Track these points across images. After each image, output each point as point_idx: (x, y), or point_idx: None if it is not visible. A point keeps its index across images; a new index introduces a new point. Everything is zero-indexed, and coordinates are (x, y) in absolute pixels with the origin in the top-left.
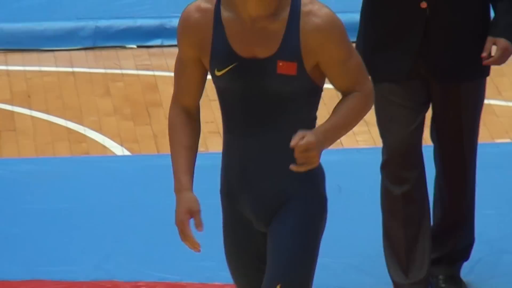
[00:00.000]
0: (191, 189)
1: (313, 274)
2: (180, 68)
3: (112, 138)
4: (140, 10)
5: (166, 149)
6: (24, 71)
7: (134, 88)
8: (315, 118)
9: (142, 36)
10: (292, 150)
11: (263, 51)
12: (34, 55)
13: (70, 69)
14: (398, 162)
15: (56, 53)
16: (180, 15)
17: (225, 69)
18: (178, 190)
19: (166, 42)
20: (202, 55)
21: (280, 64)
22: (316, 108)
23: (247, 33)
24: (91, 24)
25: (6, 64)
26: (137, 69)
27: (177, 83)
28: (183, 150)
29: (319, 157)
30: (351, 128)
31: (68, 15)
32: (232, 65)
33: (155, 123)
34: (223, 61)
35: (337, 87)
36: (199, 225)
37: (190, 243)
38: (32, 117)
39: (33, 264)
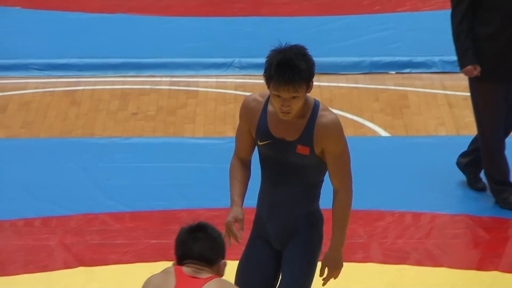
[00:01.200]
0: (240, 206)
1: (311, 284)
2: (238, 134)
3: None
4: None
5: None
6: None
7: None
8: (321, 181)
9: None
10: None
11: (289, 136)
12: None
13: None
14: None
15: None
16: None
17: (264, 142)
18: (231, 205)
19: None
20: (252, 129)
21: (299, 146)
22: (322, 175)
23: (281, 123)
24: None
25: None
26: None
27: (236, 143)
28: (237, 182)
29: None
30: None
31: None
32: (268, 141)
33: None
34: (263, 137)
35: (330, 176)
36: (241, 228)
37: (233, 235)
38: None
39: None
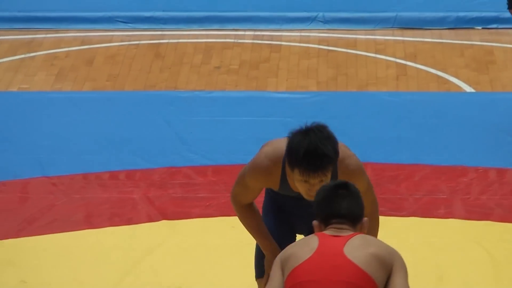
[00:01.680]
0: (276, 245)
1: None
2: (245, 189)
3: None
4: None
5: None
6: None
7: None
8: None
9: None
10: None
11: None
12: None
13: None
14: None
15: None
16: None
17: (286, 194)
18: (268, 246)
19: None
20: (271, 186)
21: None
22: None
23: None
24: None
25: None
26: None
27: (241, 197)
28: (259, 227)
29: None
30: None
31: None
32: (294, 194)
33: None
34: (287, 191)
35: None
36: None
37: None
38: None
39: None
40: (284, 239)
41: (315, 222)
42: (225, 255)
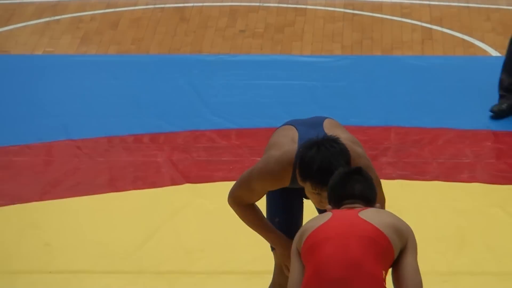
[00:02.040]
0: (283, 236)
1: None
2: (250, 193)
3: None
4: None
5: None
6: None
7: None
8: None
9: None
10: None
11: None
12: None
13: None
14: None
15: None
16: None
17: (295, 187)
18: (276, 239)
19: None
20: (277, 188)
21: None
22: None
23: None
24: None
25: None
26: None
27: (244, 196)
28: (263, 223)
29: None
30: None
31: None
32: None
33: None
34: (296, 186)
35: None
36: None
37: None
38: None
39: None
40: (297, 214)
41: (328, 207)
42: None
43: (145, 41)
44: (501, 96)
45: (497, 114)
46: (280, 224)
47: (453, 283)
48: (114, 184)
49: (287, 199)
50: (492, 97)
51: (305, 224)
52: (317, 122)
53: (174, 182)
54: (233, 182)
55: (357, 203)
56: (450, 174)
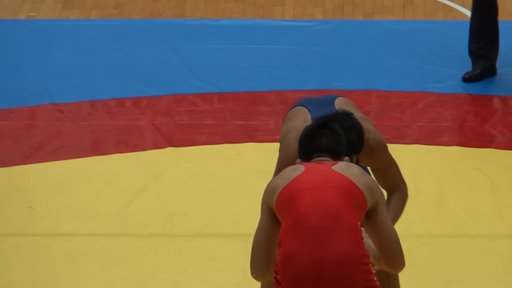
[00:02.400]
0: None
1: None
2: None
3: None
4: None
5: None
6: None
7: None
8: None
9: None
10: None
11: None
12: None
13: None
14: None
15: None
16: None
17: None
18: None
19: None
20: None
21: None
22: None
23: None
24: None
25: None
26: None
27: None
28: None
29: None
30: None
31: None
32: None
33: None
34: None
35: (383, 186)
36: None
37: None
38: None
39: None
40: None
41: (297, 160)
42: (230, 181)
43: (127, 6)
44: (473, 62)
45: (468, 81)
46: None
47: (432, 245)
48: (97, 147)
49: None
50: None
51: (275, 178)
52: (329, 101)
53: (157, 146)
54: (216, 146)
55: (325, 156)
56: (430, 137)
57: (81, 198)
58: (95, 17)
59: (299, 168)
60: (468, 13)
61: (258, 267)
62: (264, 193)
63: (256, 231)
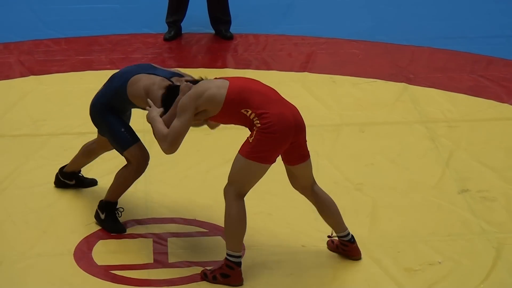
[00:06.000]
0: None
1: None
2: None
3: None
4: None
5: None
6: None
7: None
8: None
9: None
10: None
11: None
12: None
13: None
14: None
15: None
16: None
17: None
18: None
19: None
20: None
21: None
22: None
23: None
24: None
25: None
26: None
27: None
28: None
29: None
30: None
31: None
32: None
33: None
34: None
35: None
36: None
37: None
38: None
39: None
40: None
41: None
42: (77, 97)
43: None
44: (168, 25)
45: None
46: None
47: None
48: None
49: None
50: None
51: (207, 90)
52: (149, 66)
53: (22, 75)
54: (65, 74)
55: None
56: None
57: None
58: None
59: (223, 83)
60: None
61: (176, 147)
62: (192, 100)
63: (178, 124)
